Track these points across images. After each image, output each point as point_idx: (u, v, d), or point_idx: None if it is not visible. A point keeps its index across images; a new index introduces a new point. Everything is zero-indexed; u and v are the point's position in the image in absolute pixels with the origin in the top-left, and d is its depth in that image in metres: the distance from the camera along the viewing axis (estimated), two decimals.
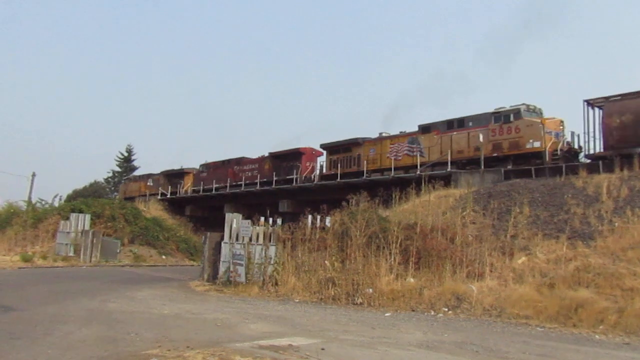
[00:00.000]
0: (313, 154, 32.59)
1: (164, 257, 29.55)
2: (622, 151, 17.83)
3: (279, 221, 17.12)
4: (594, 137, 19.56)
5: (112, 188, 58.10)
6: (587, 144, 20.02)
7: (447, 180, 20.73)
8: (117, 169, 60.67)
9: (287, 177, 31.67)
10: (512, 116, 21.65)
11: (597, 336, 9.62)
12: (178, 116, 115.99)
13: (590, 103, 19.60)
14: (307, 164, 31.93)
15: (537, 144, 20.42)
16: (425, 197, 18.03)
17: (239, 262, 16.46)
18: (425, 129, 25.20)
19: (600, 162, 17.80)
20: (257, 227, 16.65)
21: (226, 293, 15.41)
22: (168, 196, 39.92)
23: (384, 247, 14.16)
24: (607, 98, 19.11)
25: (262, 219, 17.06)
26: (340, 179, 27.27)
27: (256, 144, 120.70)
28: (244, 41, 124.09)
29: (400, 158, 25.55)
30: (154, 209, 36.54)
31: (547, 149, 20.12)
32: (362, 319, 11.07)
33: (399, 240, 14.19)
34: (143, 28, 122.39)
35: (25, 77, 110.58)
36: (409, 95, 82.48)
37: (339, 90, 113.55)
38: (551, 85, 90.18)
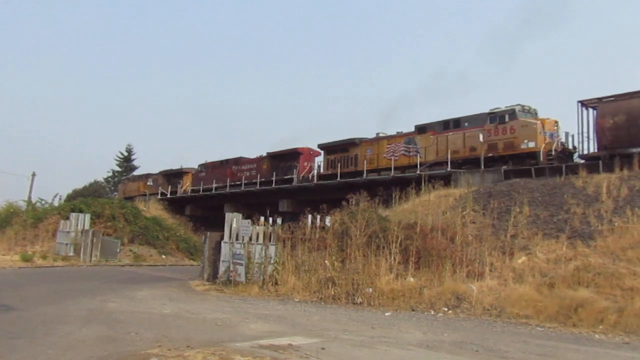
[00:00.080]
0: (311, 154, 32.67)
1: (163, 256, 29.54)
2: (615, 151, 18.03)
3: (279, 221, 17.13)
4: (588, 137, 19.77)
5: (112, 188, 58.09)
6: (581, 145, 20.24)
7: (447, 180, 20.77)
8: (117, 168, 60.69)
9: (285, 177, 31.73)
10: (507, 117, 21.80)
11: (597, 336, 9.63)
12: (178, 116, 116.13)
13: (584, 104, 19.73)
14: (305, 164, 32.01)
15: (531, 145, 20.58)
16: (425, 196, 18.04)
17: (238, 261, 16.47)
18: (421, 129, 25.33)
19: (600, 162, 17.85)
20: (257, 227, 16.66)
21: (226, 293, 15.42)
22: (168, 196, 39.94)
23: (384, 247, 14.17)
24: (600, 99, 19.28)
25: (262, 218, 17.07)
26: (338, 178, 27.32)
27: (256, 144, 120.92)
28: (243, 41, 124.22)
29: (397, 158, 25.66)
30: (153, 209, 36.52)
31: (542, 149, 20.24)
32: (362, 318, 11.07)
33: (399, 240, 14.20)
34: (143, 28, 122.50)
35: (25, 77, 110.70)
36: (409, 95, 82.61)
37: (338, 90, 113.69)
38: (551, 85, 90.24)
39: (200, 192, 37.82)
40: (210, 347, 7.06)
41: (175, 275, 21.15)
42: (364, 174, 26.36)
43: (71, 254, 25.89)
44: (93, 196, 39.77)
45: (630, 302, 10.53)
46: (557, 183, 17.41)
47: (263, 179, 32.98)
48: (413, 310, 12.23)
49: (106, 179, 60.35)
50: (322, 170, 30.43)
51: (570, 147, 21.24)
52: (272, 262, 15.69)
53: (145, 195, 42.32)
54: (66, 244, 26.38)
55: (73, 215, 27.37)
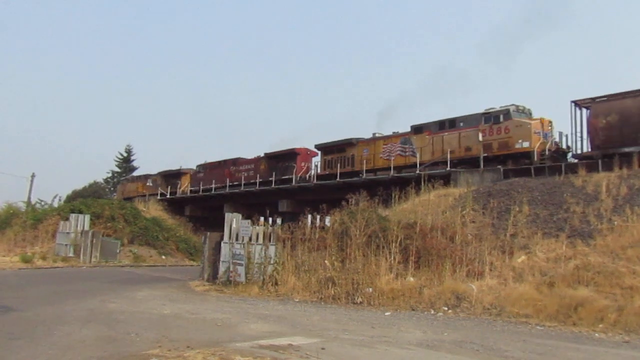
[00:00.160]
0: (308, 154, 32.75)
1: (163, 257, 29.55)
2: (607, 151, 18.15)
3: (279, 221, 17.13)
4: (581, 137, 19.88)
5: (112, 188, 58.08)
6: (574, 144, 20.33)
7: (446, 180, 20.81)
8: (117, 169, 60.68)
9: (283, 177, 31.80)
10: (501, 117, 21.92)
11: (596, 334, 9.64)
12: (178, 116, 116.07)
13: (577, 104, 19.85)
14: (302, 164, 32.08)
15: (525, 144, 20.69)
16: (424, 196, 18.05)
17: (238, 262, 16.47)
18: (417, 129, 25.41)
19: (600, 161, 17.88)
20: (257, 227, 16.66)
21: (226, 293, 15.42)
22: (168, 196, 39.94)
23: (383, 247, 14.18)
24: (593, 99, 19.41)
25: (262, 218, 17.08)
26: (336, 178, 27.38)
27: (256, 144, 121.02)
28: (243, 41, 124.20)
29: (393, 158, 25.73)
30: (153, 209, 36.52)
31: (536, 149, 20.33)
32: (362, 318, 11.07)
33: (399, 240, 14.21)
34: (143, 28, 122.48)
35: (25, 77, 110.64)
36: (409, 95, 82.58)
37: (338, 90, 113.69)
38: (551, 85, 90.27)
39: (200, 193, 37.83)
40: (211, 347, 7.06)
41: (175, 276, 21.14)
42: (363, 174, 26.38)
43: (71, 255, 25.90)
44: (93, 197, 39.75)
45: (630, 301, 10.54)
46: (557, 182, 17.42)
47: (261, 180, 33.04)
48: (413, 309, 12.24)
49: (106, 180, 60.38)
50: (319, 171, 30.51)
51: (564, 146, 21.42)
52: (272, 262, 15.69)
53: (144, 195, 42.32)
54: (66, 245, 26.38)
55: (73, 216, 27.37)
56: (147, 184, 44.10)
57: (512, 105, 22.05)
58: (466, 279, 13.05)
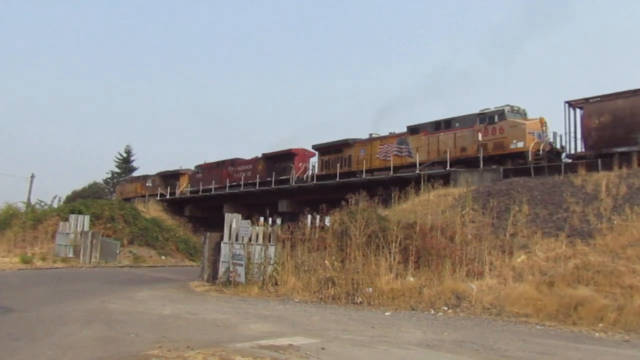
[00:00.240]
0: (305, 155, 32.82)
1: (163, 257, 29.54)
2: (600, 151, 18.27)
3: (278, 221, 17.14)
4: (575, 137, 19.98)
5: (111, 189, 58.08)
6: (568, 144, 20.46)
7: (446, 179, 20.85)
8: (116, 169, 60.69)
9: (281, 177, 31.84)
10: (496, 117, 22.05)
11: (596, 334, 9.64)
12: (177, 116, 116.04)
13: (571, 104, 19.96)
14: (300, 164, 32.15)
15: (520, 145, 20.83)
16: (424, 196, 18.07)
17: (238, 262, 16.47)
18: (413, 130, 25.50)
19: (599, 160, 17.91)
20: (257, 227, 16.66)
21: (226, 293, 15.41)
22: (167, 197, 39.94)
23: (383, 247, 14.18)
24: (587, 99, 19.55)
25: (262, 219, 17.08)
26: (333, 179, 27.39)
27: (256, 144, 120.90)
28: (243, 41, 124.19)
29: (389, 158, 25.79)
30: (153, 210, 36.52)
31: (530, 149, 20.42)
32: (362, 318, 11.08)
33: (399, 240, 14.21)
34: (143, 28, 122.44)
35: (25, 77, 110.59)
36: (409, 95, 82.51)
37: (338, 90, 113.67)
38: (551, 84, 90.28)
39: (200, 193, 37.83)
40: (211, 347, 7.06)
41: (175, 276, 21.14)
42: (362, 174, 26.40)
43: (71, 255, 25.89)
44: (92, 197, 39.77)
45: (629, 300, 10.55)
46: (556, 182, 17.43)
47: (259, 180, 33.07)
48: (413, 309, 12.24)
49: (105, 180, 60.38)
50: (316, 171, 30.56)
51: (558, 146, 21.52)
52: (271, 262, 15.69)
53: (143, 196, 42.31)
54: (66, 245, 26.37)
55: (72, 216, 27.36)
56: (146, 184, 44.09)
57: (507, 105, 22.24)
58: (466, 278, 13.05)
